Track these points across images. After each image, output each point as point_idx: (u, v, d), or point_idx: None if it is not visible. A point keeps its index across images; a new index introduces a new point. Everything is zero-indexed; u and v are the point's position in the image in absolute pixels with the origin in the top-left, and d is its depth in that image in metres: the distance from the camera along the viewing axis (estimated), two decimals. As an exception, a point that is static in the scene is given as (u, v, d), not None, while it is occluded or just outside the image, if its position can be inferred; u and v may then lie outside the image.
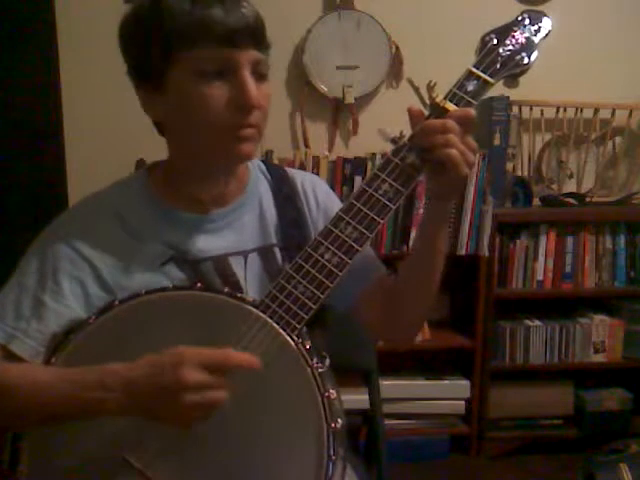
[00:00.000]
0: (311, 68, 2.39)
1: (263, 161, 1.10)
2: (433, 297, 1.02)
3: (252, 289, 0.98)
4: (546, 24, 0.95)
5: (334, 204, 1.08)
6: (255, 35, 0.89)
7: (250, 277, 0.99)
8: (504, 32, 0.94)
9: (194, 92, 0.87)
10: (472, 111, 0.88)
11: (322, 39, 2.38)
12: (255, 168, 1.07)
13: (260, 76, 0.91)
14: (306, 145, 2.46)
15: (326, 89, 2.41)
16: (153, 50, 0.88)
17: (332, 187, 2.21)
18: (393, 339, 1.12)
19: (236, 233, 1.00)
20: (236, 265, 0.99)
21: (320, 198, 1.08)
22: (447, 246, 1.00)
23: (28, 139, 2.32)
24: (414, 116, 0.90)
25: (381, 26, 2.39)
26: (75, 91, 2.35)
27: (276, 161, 2.29)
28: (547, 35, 0.94)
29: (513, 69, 0.93)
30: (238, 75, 0.88)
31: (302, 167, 2.27)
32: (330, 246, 0.88)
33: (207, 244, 0.98)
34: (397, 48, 2.43)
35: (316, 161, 2.29)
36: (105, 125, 2.36)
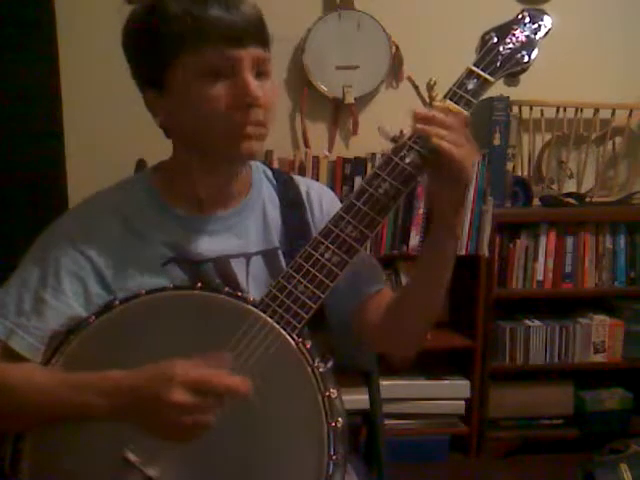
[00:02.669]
0: (311, 68, 2.39)
1: (269, 167, 1.10)
2: (434, 316, 1.00)
3: (254, 291, 0.97)
4: (546, 22, 0.94)
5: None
6: (256, 32, 0.89)
7: (252, 279, 0.99)
8: (504, 30, 0.94)
9: (197, 93, 0.88)
10: (464, 113, 0.88)
11: (322, 39, 2.38)
12: (259, 172, 1.07)
13: (263, 74, 0.91)
14: (306, 145, 2.45)
15: (326, 89, 2.41)
16: (153, 54, 0.88)
17: (332, 187, 2.20)
18: (391, 352, 1.10)
19: (238, 236, 1.00)
20: (237, 267, 0.99)
21: (325, 206, 1.08)
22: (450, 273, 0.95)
23: (28, 139, 2.31)
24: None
25: (381, 26, 2.39)
26: (75, 91, 2.35)
27: (276, 161, 2.29)
28: (547, 33, 0.94)
29: (513, 67, 0.92)
30: (239, 74, 0.87)
31: (302, 167, 2.26)
32: (330, 245, 0.88)
33: (208, 246, 0.98)
34: (397, 48, 2.43)
35: (316, 161, 2.28)
36: (105, 125, 2.35)
